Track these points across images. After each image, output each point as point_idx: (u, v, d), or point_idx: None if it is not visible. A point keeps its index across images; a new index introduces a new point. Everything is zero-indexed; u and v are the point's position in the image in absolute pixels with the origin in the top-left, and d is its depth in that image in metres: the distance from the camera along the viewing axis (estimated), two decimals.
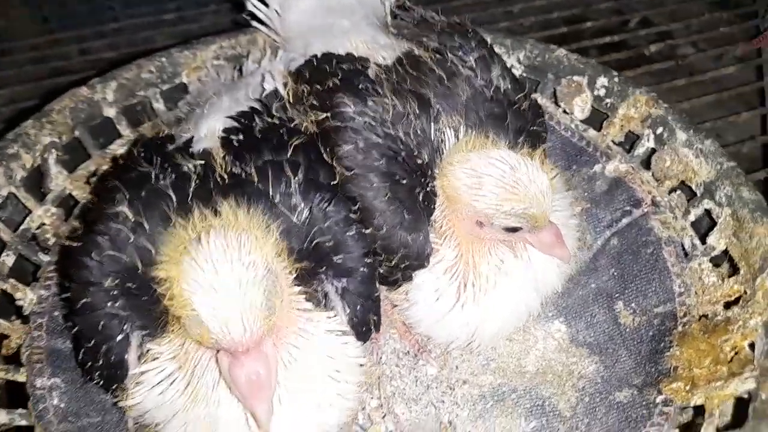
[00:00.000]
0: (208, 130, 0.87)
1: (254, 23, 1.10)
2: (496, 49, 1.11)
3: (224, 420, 0.72)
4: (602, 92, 1.05)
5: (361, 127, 0.83)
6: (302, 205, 0.76)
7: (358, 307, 0.77)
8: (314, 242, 0.75)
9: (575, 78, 1.07)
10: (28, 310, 0.87)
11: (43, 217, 0.95)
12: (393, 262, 0.82)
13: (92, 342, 0.71)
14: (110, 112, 1.06)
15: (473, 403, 0.86)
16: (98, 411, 0.80)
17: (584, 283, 0.95)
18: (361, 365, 0.80)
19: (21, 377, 0.81)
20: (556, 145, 1.08)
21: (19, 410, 0.78)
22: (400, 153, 0.81)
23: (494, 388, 0.88)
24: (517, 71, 1.13)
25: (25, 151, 0.94)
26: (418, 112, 0.85)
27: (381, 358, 0.91)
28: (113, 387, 0.73)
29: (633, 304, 0.90)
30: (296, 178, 0.77)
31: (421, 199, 0.81)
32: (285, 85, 0.95)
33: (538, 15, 1.82)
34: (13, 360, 0.83)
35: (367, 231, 0.78)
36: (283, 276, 0.71)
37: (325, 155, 0.82)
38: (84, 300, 0.70)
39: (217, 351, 0.68)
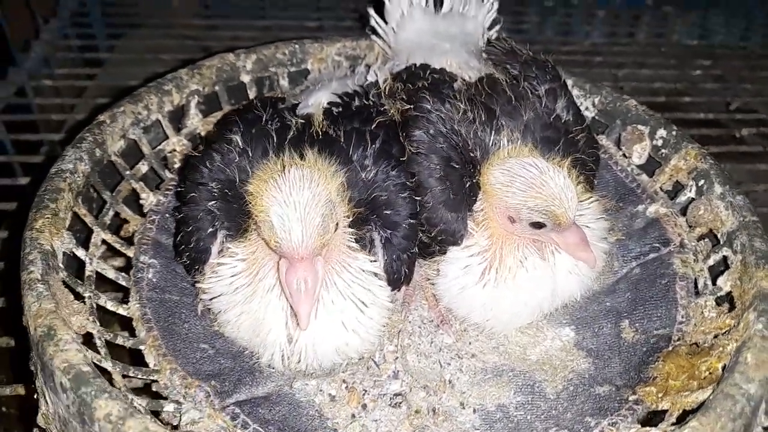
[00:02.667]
0: (315, 101, 1.09)
1: (373, 36, 1.32)
2: (576, 92, 1.27)
3: (270, 317, 0.90)
4: (660, 142, 1.17)
5: (434, 120, 1.01)
6: (372, 166, 0.95)
7: (395, 256, 0.94)
8: (372, 195, 0.93)
9: (639, 126, 1.19)
10: (147, 209, 1.11)
11: (176, 144, 1.20)
12: (432, 234, 0.98)
13: (189, 228, 0.92)
14: (245, 78, 1.30)
15: (474, 372, 0.99)
16: (178, 292, 1.01)
17: (601, 300, 1.06)
18: (387, 309, 0.96)
19: (129, 253, 1.04)
20: (609, 182, 1.20)
21: (123, 274, 1.01)
22: (459, 145, 0.98)
23: (496, 366, 1.00)
24: (591, 113, 1.27)
25: (176, 90, 1.20)
26: (483, 119, 1.02)
27: (408, 317, 1.07)
28: (195, 268, 0.94)
29: (637, 324, 1.00)
30: (373, 146, 0.96)
31: (467, 186, 0.97)
32: (385, 80, 1.16)
33: (641, 82, 1.94)
34: (128, 241, 1.07)
35: (417, 199, 0.96)
36: (340, 213, 0.90)
37: (401, 137, 1.01)
38: (192, 194, 0.92)
39: (279, 259, 0.86)
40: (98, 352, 0.84)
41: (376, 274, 0.94)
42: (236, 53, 1.29)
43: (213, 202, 0.91)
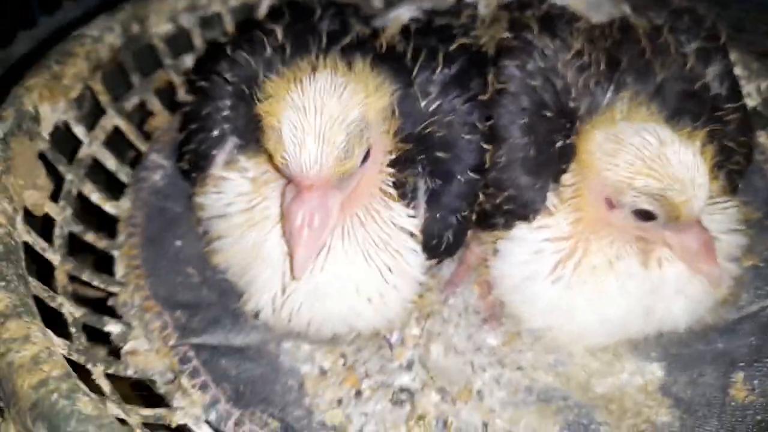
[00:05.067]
0: (396, 15, 0.88)
1: None
2: (737, 71, 0.96)
3: (265, 255, 0.71)
4: None
5: (535, 54, 0.76)
6: (436, 95, 0.72)
7: (438, 215, 0.71)
8: (427, 129, 0.71)
9: None
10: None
11: None
12: (497, 200, 0.74)
13: (193, 126, 0.75)
14: None
15: (515, 390, 0.76)
16: (184, 205, 0.84)
17: (711, 338, 0.78)
18: (417, 282, 0.75)
19: (143, 147, 0.88)
20: (759, 190, 0.91)
21: (128, 169, 0.86)
22: (558, 89, 0.73)
23: (547, 388, 0.76)
24: (753, 102, 0.96)
25: None
26: (602, 69, 0.77)
27: (449, 300, 0.84)
28: (193, 175, 0.77)
29: (756, 381, 0.72)
30: (445, 70, 0.74)
31: (557, 146, 0.72)
32: (488, 6, 0.92)
33: None
34: (148, 137, 0.91)
35: (487, 148, 0.72)
36: (379, 141, 0.69)
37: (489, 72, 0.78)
38: (204, 85, 0.74)
39: (287, 183, 0.67)
40: (50, 241, 0.69)
41: (411, 234, 0.72)
42: None
43: (226, 100, 0.73)
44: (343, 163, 0.62)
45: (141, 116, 0.94)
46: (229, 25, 1.03)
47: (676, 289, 0.73)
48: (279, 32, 0.75)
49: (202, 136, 0.74)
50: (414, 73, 0.73)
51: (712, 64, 0.80)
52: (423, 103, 0.72)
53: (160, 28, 0.94)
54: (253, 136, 0.73)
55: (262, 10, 1.05)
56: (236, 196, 0.73)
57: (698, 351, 0.78)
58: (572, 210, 0.74)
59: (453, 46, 0.76)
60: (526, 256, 0.75)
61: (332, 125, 0.61)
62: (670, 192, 0.64)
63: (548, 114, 0.72)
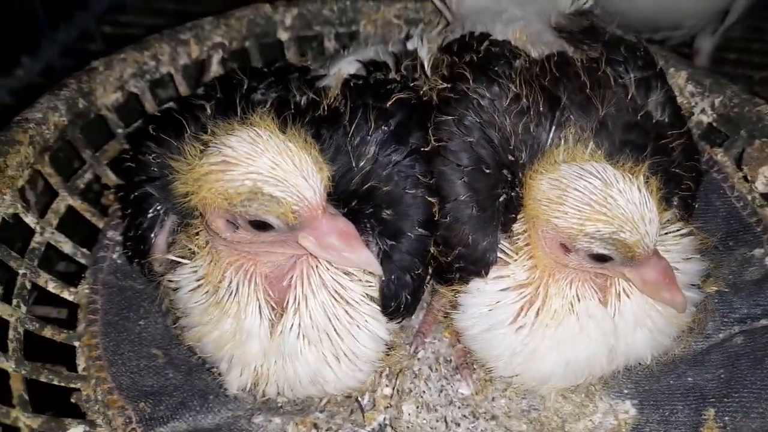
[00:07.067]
0: (337, 71, 0.87)
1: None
2: (691, 87, 0.98)
3: (245, 328, 0.68)
4: None
5: (473, 105, 0.76)
6: (374, 152, 0.72)
7: (393, 277, 0.71)
8: (368, 185, 0.70)
9: None
10: None
11: None
12: (449, 258, 0.74)
13: (128, 210, 0.75)
14: (283, 35, 1.11)
15: None
16: (145, 280, 0.83)
17: (681, 372, 0.78)
18: (385, 344, 0.74)
19: (100, 224, 0.88)
20: (719, 211, 0.90)
21: (84, 249, 0.85)
22: (495, 142, 0.73)
23: None
24: (707, 118, 0.96)
25: (196, 41, 1.02)
26: (542, 110, 0.76)
27: (419, 352, 0.84)
28: (136, 260, 0.76)
29: (727, 418, 0.72)
30: (383, 128, 0.73)
31: (501, 200, 0.72)
32: (430, 51, 0.92)
33: None
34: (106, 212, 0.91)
35: (432, 201, 0.72)
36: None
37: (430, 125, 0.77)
38: (130, 166, 0.74)
39: (297, 236, 0.65)
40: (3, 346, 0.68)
41: (371, 298, 0.71)
42: (274, 5, 1.10)
43: (155, 181, 0.73)
44: (324, 177, 0.63)
45: (98, 191, 0.93)
46: (181, 84, 1.03)
47: (636, 323, 0.73)
48: (209, 109, 0.75)
49: (139, 220, 0.73)
50: (351, 131, 0.73)
51: (652, 94, 0.80)
52: (361, 163, 0.72)
53: (108, 98, 0.94)
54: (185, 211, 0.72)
55: (214, 67, 1.05)
56: (193, 283, 0.71)
57: (668, 385, 0.78)
58: (527, 257, 0.74)
59: (389, 102, 0.76)
60: (485, 309, 0.75)
61: (297, 155, 0.62)
62: (622, 234, 0.64)
63: (487, 170, 0.72)
